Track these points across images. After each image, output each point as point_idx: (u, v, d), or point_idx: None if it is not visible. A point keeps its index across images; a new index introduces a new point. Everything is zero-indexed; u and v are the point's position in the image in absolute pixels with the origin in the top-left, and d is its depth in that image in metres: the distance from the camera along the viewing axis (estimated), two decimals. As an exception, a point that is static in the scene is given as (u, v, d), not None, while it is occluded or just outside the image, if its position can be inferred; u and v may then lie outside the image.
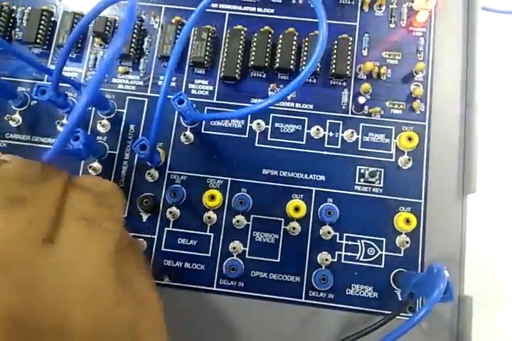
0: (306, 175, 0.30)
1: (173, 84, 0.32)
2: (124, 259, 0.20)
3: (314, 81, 0.32)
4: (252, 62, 0.31)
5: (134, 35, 0.32)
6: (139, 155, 0.27)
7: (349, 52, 0.31)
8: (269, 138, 0.30)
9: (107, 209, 0.20)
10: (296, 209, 0.28)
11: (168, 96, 0.30)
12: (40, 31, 0.32)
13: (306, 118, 0.31)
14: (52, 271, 0.16)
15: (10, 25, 0.33)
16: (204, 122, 0.31)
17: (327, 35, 0.22)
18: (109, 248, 0.18)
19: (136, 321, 0.18)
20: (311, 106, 0.31)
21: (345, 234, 0.29)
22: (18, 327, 0.14)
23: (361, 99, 0.29)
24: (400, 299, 0.28)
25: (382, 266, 0.28)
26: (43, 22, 0.32)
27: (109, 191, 0.22)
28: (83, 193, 0.20)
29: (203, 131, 0.31)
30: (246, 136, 0.31)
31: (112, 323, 0.17)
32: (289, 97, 0.31)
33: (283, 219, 0.29)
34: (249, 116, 0.31)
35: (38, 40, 0.32)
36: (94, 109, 0.31)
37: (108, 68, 0.16)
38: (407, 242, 0.28)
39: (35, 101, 0.32)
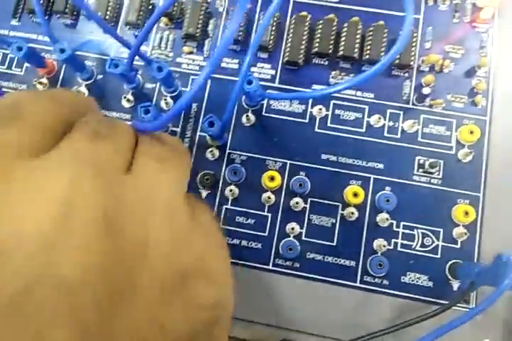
0: (364, 163, 0.30)
1: (235, 66, 0.32)
2: (189, 196, 0.20)
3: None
4: (315, 49, 0.32)
5: (201, 17, 0.32)
6: (207, 131, 0.27)
7: (413, 44, 0.31)
8: (329, 124, 0.31)
9: (177, 154, 0.21)
10: (355, 194, 0.28)
11: (233, 78, 0.31)
12: (109, 8, 0.33)
13: (366, 107, 0.31)
14: (134, 193, 0.16)
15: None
16: (265, 105, 0.31)
17: (411, 28, 0.22)
18: (180, 179, 0.19)
19: (204, 251, 0.18)
20: (372, 95, 0.31)
21: (402, 223, 0.29)
22: (108, 232, 0.14)
23: (426, 90, 0.30)
24: (456, 288, 0.28)
25: (439, 256, 0.28)
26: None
27: (176, 143, 0.23)
28: (153, 139, 0.21)
29: (263, 113, 0.31)
30: (306, 121, 0.31)
31: (186, 249, 0.17)
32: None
33: (340, 204, 0.29)
34: (310, 101, 0.31)
35: (106, 17, 0.33)
36: (159, 85, 0.32)
37: (223, 54, 0.17)
38: (464, 234, 0.28)
39: (101, 76, 0.32)
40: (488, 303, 0.22)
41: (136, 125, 0.25)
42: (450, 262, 0.28)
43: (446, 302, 0.27)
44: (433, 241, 0.28)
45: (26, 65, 0.33)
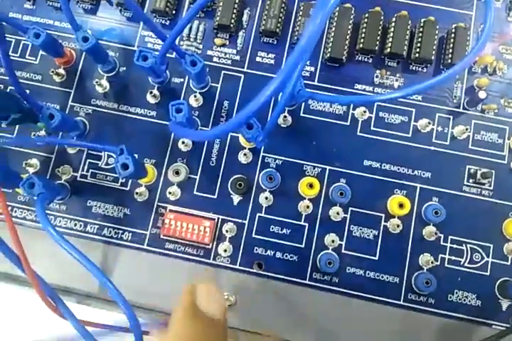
0: (410, 171, 0.28)
1: (271, 61, 0.30)
2: None
3: (425, 70, 0.29)
4: (361, 45, 0.29)
5: (235, 6, 0.30)
6: (244, 135, 0.25)
7: (466, 42, 0.29)
8: (372, 128, 0.29)
9: None
10: (401, 205, 0.26)
11: (269, 74, 0.29)
12: (135, -7, 0.30)
13: (413, 110, 0.29)
14: None
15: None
16: (303, 105, 0.29)
17: (491, 30, 0.20)
18: None
19: None
20: (420, 98, 0.29)
21: (450, 237, 0.27)
22: None
23: (481, 94, 0.27)
24: (504, 309, 0.26)
25: (488, 274, 0.26)
26: (138, -16, 0.30)
27: None
28: None
29: (302, 114, 0.29)
30: (348, 124, 0.29)
31: None
32: (396, 85, 0.29)
33: (383, 215, 0.27)
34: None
35: (131, 3, 0.30)
36: (188, 81, 0.29)
37: (306, 50, 0.14)
38: (516, 251, 0.26)
39: (124, 68, 0.30)
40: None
41: (177, 130, 0.22)
42: (500, 280, 0.26)
43: (495, 323, 0.25)
44: (482, 258, 0.27)
45: (41, 53, 0.30)
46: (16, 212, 0.28)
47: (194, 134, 0.18)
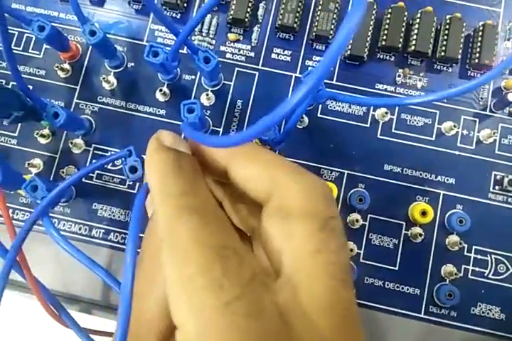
0: (433, 176, 0.26)
1: (287, 58, 0.28)
2: None
3: (450, 70, 0.28)
4: (383, 42, 0.28)
5: (250, 0, 0.28)
6: (262, 136, 0.23)
7: (495, 41, 0.27)
8: (393, 130, 0.27)
9: None
10: (423, 213, 0.25)
11: (284, 72, 0.27)
12: (144, -16, 0.29)
13: (437, 112, 0.27)
14: None
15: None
16: (321, 105, 0.27)
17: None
18: None
19: None
20: (445, 99, 0.27)
21: (474, 247, 0.25)
22: None
23: (510, 96, 0.26)
24: (531, 325, 0.25)
25: (513, 286, 0.25)
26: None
27: None
28: None
29: (319, 114, 0.27)
30: (367, 126, 0.27)
31: None
32: (419, 85, 0.28)
33: (404, 223, 0.26)
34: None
35: (141, -5, 0.29)
36: (199, 78, 0.28)
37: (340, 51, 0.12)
38: (544, 263, 0.25)
39: (132, 64, 0.28)
40: None
41: (190, 134, 0.21)
42: (526, 293, 0.25)
43: (521, 339, 0.24)
44: (508, 269, 0.25)
45: (46, 46, 0.29)
46: (17, 214, 0.27)
47: (208, 140, 0.17)
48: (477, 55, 0.27)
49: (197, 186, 0.15)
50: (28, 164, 0.27)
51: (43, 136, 0.27)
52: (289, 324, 0.13)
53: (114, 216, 0.26)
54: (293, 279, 0.13)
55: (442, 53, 0.27)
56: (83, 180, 0.27)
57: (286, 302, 0.13)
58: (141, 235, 0.17)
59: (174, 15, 0.29)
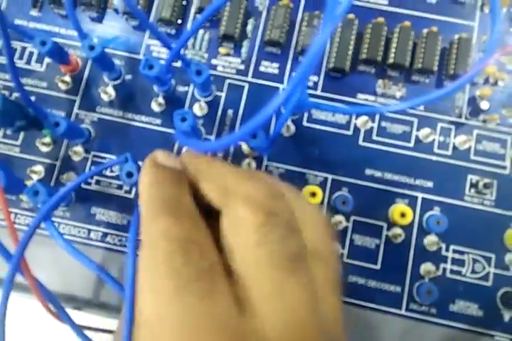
0: (412, 180, 0.28)
1: (275, 71, 0.30)
2: None
3: (427, 81, 0.30)
4: (363, 55, 0.29)
5: (240, 17, 0.30)
6: (250, 143, 0.25)
7: (469, 53, 0.29)
8: (374, 137, 0.29)
9: None
10: (403, 215, 0.27)
11: (272, 84, 0.29)
12: (140, 1, 0.31)
13: (415, 120, 0.29)
14: None
15: (109, -7, 0.31)
16: (306, 114, 0.29)
17: (497, 39, 0.20)
18: None
19: None
20: (422, 108, 0.29)
21: (451, 247, 0.27)
22: None
23: (484, 105, 0.28)
24: (506, 320, 0.26)
25: (490, 284, 0.26)
26: (144, -7, 0.31)
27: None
28: None
29: (304, 123, 0.29)
30: (350, 133, 0.29)
31: None
32: (398, 95, 0.30)
33: (385, 224, 0.27)
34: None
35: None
36: (192, 89, 0.30)
37: (314, 61, 0.14)
38: (518, 261, 0.26)
39: (129, 76, 0.30)
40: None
41: (182, 140, 0.23)
42: (502, 290, 0.26)
43: (497, 334, 0.25)
44: (484, 268, 0.27)
45: (47, 60, 0.31)
46: (19, 218, 0.28)
47: (198, 145, 0.18)
48: (452, 66, 0.29)
49: (178, 193, 0.18)
50: (30, 171, 0.28)
51: (44, 144, 0.29)
52: (243, 311, 0.14)
53: (111, 219, 0.28)
54: (242, 272, 0.15)
55: (419, 65, 0.29)
56: (82, 185, 0.28)
57: (241, 290, 0.15)
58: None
59: (169, 30, 0.31)
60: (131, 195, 0.28)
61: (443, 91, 0.20)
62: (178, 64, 0.30)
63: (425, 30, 0.30)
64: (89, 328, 0.26)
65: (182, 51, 0.30)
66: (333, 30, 0.13)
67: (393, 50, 0.29)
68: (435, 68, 0.29)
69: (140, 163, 0.27)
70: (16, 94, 0.30)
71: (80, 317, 0.26)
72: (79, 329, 0.25)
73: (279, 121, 0.23)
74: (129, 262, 0.19)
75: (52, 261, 0.27)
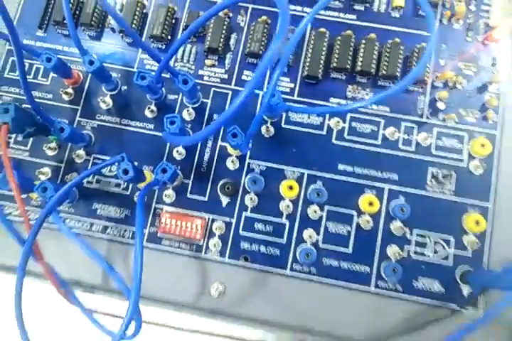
0: (379, 173, 0.31)
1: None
2: None
3: (391, 85, 0.33)
4: (334, 64, 0.33)
5: (223, 32, 0.34)
6: (231, 142, 0.28)
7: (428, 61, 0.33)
8: (345, 136, 0.32)
9: None
10: (370, 203, 0.30)
11: (255, 91, 0.32)
12: (134, 21, 0.35)
13: (382, 120, 0.32)
14: None
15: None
16: (284, 117, 0.33)
17: (433, 48, 0.24)
18: None
19: None
20: (388, 109, 0.33)
21: (415, 231, 0.30)
22: None
23: (440, 105, 0.31)
24: (466, 293, 0.29)
25: (450, 263, 0.29)
26: (137, 13, 0.35)
27: None
28: None
29: (283, 125, 0.32)
30: (324, 133, 0.32)
31: None
32: (366, 99, 0.33)
33: (356, 213, 0.30)
34: (328, 114, 0.33)
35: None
36: (181, 97, 0.33)
37: (267, 67, 0.18)
38: (475, 242, 0.29)
39: (125, 87, 0.34)
40: (500, 310, 0.23)
41: (169, 138, 0.26)
42: (460, 268, 0.29)
43: (457, 307, 0.28)
44: (444, 249, 0.30)
45: (52, 74, 0.34)
46: (30, 214, 0.31)
47: (181, 140, 0.22)
48: (412, 72, 0.32)
49: None
50: (39, 172, 0.32)
51: (50, 148, 0.32)
52: None
53: (110, 214, 0.31)
54: None
55: (384, 72, 0.33)
56: (85, 184, 0.32)
57: None
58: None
59: (160, 46, 0.35)
60: (128, 192, 0.32)
61: (385, 93, 0.24)
62: (168, 75, 0.33)
63: (389, 41, 0.33)
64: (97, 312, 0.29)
65: (172, 63, 0.34)
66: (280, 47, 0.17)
67: (360, 58, 0.33)
68: (398, 74, 0.32)
69: (136, 162, 0.31)
70: (25, 105, 0.33)
71: (87, 299, 0.29)
72: (86, 310, 0.28)
73: (254, 121, 0.27)
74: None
75: (61, 251, 0.30)
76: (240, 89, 0.33)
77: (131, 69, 0.34)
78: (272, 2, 0.34)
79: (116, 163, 0.28)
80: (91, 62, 0.30)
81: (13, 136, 0.33)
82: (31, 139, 0.33)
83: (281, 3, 0.20)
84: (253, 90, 0.18)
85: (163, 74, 0.32)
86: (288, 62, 0.29)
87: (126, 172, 0.28)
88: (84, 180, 0.32)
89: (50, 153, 0.32)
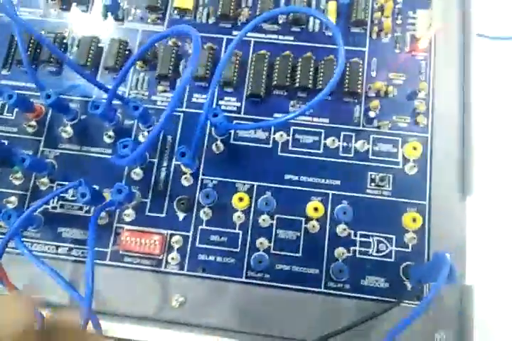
0: (323, 180, 0.34)
1: (204, 101, 0.36)
2: None
3: (329, 98, 0.36)
4: (275, 82, 0.36)
5: (172, 59, 0.37)
6: (180, 160, 0.31)
7: (360, 74, 0.35)
8: (290, 148, 0.35)
9: None
10: (315, 209, 0.32)
11: (202, 111, 0.35)
12: (90, 55, 0.37)
13: (322, 131, 0.35)
14: None
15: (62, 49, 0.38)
16: (233, 133, 0.35)
17: (344, 60, 0.27)
18: None
19: None
20: (327, 120, 0.35)
21: (358, 232, 0.32)
22: None
23: (371, 114, 0.34)
24: (409, 288, 0.31)
25: (393, 260, 0.32)
26: (92, 47, 0.37)
27: None
28: None
29: (231, 141, 0.35)
30: (270, 146, 0.35)
31: None
32: (307, 112, 0.36)
33: (303, 219, 0.33)
34: (272, 128, 0.35)
35: (87, 63, 0.37)
36: (137, 122, 0.36)
37: (184, 89, 0.21)
38: (414, 238, 0.31)
39: (84, 116, 0.36)
40: (430, 299, 0.25)
41: (115, 160, 0.28)
42: (403, 264, 0.31)
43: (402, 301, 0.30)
44: (387, 247, 0.32)
45: (16, 109, 0.37)
46: (-1, 241, 0.33)
47: (123, 160, 0.24)
48: (346, 85, 0.35)
49: None
50: (6, 201, 0.34)
51: (16, 178, 0.35)
52: None
53: (75, 236, 0.33)
54: None
55: (321, 86, 0.35)
56: (50, 209, 0.34)
57: None
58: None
59: (115, 76, 0.37)
60: (90, 214, 0.34)
61: (307, 106, 0.26)
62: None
63: (325, 58, 0.36)
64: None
65: (127, 91, 0.37)
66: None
67: (298, 75, 0.36)
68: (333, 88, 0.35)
69: (96, 186, 0.33)
70: (-9, 140, 0.36)
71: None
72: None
73: (193, 140, 0.29)
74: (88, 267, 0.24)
75: (28, 274, 0.32)
76: (191, 110, 0.36)
77: (89, 99, 0.37)
78: (217, 30, 0.37)
79: (74, 188, 0.31)
80: (48, 96, 0.33)
81: (-19, 168, 0.35)
82: (-2, 170, 0.35)
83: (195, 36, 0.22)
84: (173, 110, 0.20)
85: (119, 102, 0.35)
86: (218, 83, 0.32)
87: (83, 195, 0.30)
88: (49, 206, 0.34)
89: (16, 182, 0.34)
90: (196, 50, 0.22)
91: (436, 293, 0.25)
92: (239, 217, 0.32)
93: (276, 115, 0.36)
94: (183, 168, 0.34)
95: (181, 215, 0.33)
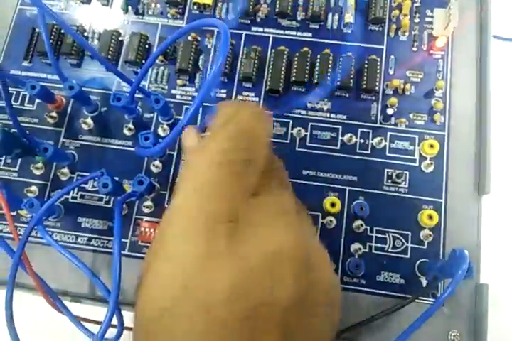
0: (340, 176, 0.34)
1: (223, 95, 0.37)
2: None
3: (347, 95, 0.36)
4: (293, 78, 0.36)
5: (192, 54, 0.37)
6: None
7: (377, 71, 0.36)
8: (307, 144, 0.35)
9: None
10: (332, 204, 0.32)
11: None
12: (111, 49, 0.38)
13: (340, 127, 0.35)
14: None
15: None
16: (251, 129, 0.35)
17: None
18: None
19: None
20: (345, 117, 0.36)
21: (375, 228, 0.33)
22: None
23: (389, 111, 0.34)
24: (424, 284, 0.31)
25: (408, 256, 0.32)
26: (113, 41, 0.38)
27: None
28: None
29: (250, 136, 0.35)
30: (288, 141, 0.35)
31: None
32: (325, 108, 0.36)
33: (320, 214, 0.33)
34: (290, 123, 0.35)
35: (108, 56, 0.38)
36: (156, 115, 0.36)
37: (213, 82, 0.21)
38: (430, 236, 0.32)
39: (105, 108, 0.37)
40: (448, 294, 0.25)
41: (140, 151, 0.29)
42: (419, 261, 0.32)
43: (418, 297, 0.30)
44: (403, 243, 0.32)
45: (37, 100, 0.37)
46: (19, 230, 0.34)
47: (149, 151, 0.25)
48: (364, 82, 0.35)
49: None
50: (27, 191, 0.34)
51: (37, 168, 0.35)
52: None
53: (94, 226, 0.34)
54: None
55: (338, 83, 0.36)
56: (70, 200, 0.34)
57: None
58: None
59: (135, 69, 0.38)
60: (110, 205, 0.34)
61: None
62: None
63: (343, 55, 0.36)
64: (85, 319, 0.31)
65: (147, 85, 0.37)
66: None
67: (316, 72, 0.36)
68: (351, 85, 0.36)
69: (117, 177, 0.34)
70: (13, 130, 0.36)
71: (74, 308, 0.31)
72: (75, 318, 0.30)
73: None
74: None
75: (48, 263, 0.32)
76: (210, 105, 0.36)
77: (109, 92, 0.37)
78: (233, 25, 0.38)
79: (96, 178, 0.31)
80: (71, 88, 0.33)
81: (3, 158, 0.36)
82: (19, 160, 0.35)
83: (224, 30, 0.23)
84: (200, 103, 0.21)
85: (140, 95, 0.35)
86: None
87: (105, 185, 0.30)
88: (69, 196, 0.34)
89: (37, 172, 0.35)
90: (226, 43, 0.22)
91: (455, 287, 0.25)
92: (256, 210, 0.33)
93: (294, 110, 0.36)
94: (202, 162, 0.34)
95: (199, 208, 0.34)
